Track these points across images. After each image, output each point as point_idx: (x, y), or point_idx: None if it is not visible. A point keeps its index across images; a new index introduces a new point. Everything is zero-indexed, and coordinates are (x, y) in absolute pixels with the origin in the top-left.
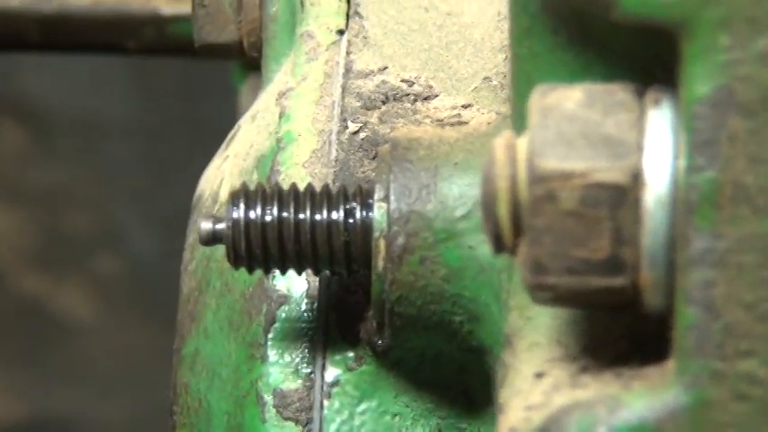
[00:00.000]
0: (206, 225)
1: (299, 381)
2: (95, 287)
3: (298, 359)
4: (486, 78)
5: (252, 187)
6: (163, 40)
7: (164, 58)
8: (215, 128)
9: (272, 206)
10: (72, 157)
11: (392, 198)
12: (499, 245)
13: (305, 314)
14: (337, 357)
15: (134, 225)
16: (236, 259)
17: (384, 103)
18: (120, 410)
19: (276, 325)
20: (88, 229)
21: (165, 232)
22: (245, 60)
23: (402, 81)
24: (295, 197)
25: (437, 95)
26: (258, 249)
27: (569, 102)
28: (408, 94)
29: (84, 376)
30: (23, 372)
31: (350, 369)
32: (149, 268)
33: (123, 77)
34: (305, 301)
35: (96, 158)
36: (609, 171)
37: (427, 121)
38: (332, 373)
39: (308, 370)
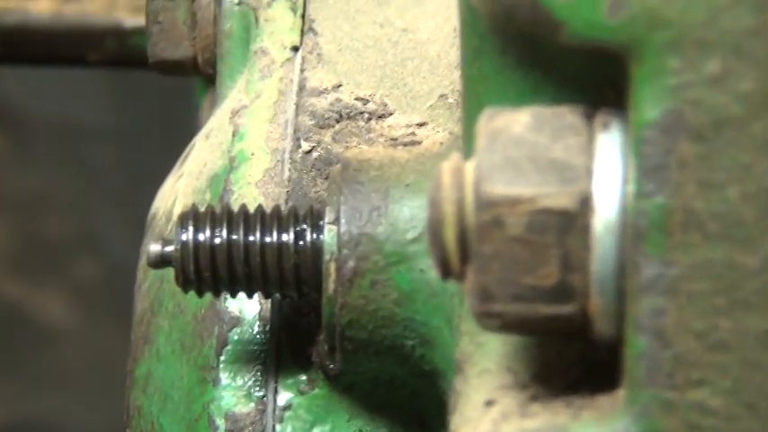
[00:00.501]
0: (155, 248)
1: (252, 404)
2: (74, 292)
3: (250, 382)
4: (442, 96)
5: (202, 209)
6: (125, 53)
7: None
8: (193, 132)
9: (222, 228)
10: (50, 162)
11: (342, 221)
12: (446, 270)
13: (257, 336)
14: (289, 381)
15: (113, 229)
16: (185, 282)
17: (338, 121)
18: (99, 416)
19: (228, 347)
20: (67, 234)
21: (143, 237)
22: (201, 77)
23: (356, 99)
24: (245, 219)
25: (392, 113)
26: (207, 272)
27: (517, 125)
28: (363, 113)
29: (64, 381)
30: (3, 377)
31: (302, 393)
32: (128, 273)
33: (100, 83)
34: (257, 323)
35: (74, 163)
36: (557, 196)
37: (381, 139)
38: (284, 396)
39: (261, 393)
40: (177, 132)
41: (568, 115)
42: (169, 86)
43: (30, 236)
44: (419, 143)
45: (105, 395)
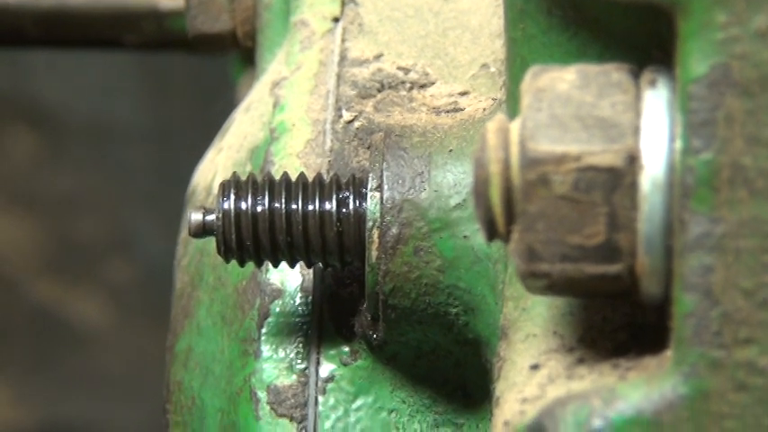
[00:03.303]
0: (196, 216)
1: (294, 376)
2: (108, 293)
3: (292, 354)
4: (483, 65)
5: (243, 178)
6: (162, 35)
7: (172, 60)
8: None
9: (263, 196)
10: (84, 163)
11: (385, 187)
12: (492, 231)
13: (299, 308)
14: (332, 352)
15: (147, 230)
16: (226, 251)
17: (379, 91)
18: (133, 417)
19: (270, 319)
20: (101, 235)
21: (176, 236)
22: (240, 51)
23: (398, 68)
24: (287, 187)
25: (434, 83)
26: (249, 241)
27: (563, 83)
28: (404, 82)
29: (97, 383)
30: (36, 379)
31: (345, 364)
32: (162, 273)
33: (134, 81)
34: (299, 294)
35: (108, 164)
36: (603, 154)
37: (423, 109)
38: (326, 368)
39: (303, 365)
40: (211, 133)
41: (615, 73)
42: (201, 86)
43: (64, 237)
44: (461, 111)
45: (139, 396)
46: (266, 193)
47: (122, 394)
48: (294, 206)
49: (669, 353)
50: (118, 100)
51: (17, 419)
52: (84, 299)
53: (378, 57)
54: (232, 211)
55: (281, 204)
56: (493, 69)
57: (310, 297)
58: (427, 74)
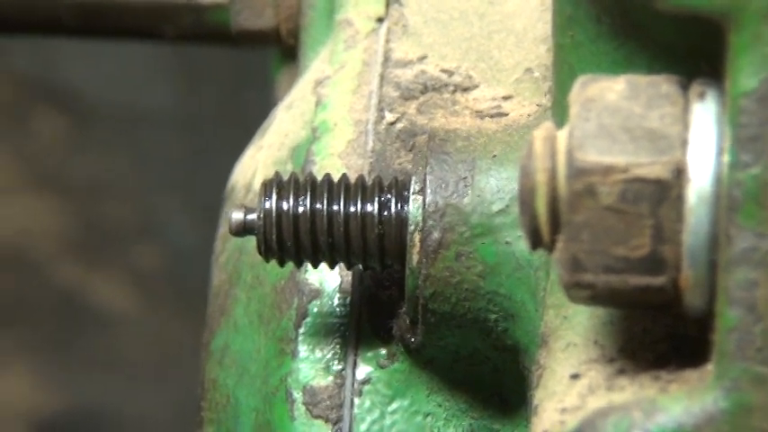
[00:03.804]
0: (237, 215)
1: (330, 378)
2: (134, 278)
3: (329, 355)
4: (527, 70)
5: (285, 177)
6: (201, 28)
7: (204, 48)
8: (256, 118)
9: (305, 197)
10: (112, 146)
11: (428, 191)
12: (536, 240)
13: (337, 309)
14: (369, 354)
15: (173, 216)
16: (266, 251)
17: (423, 93)
18: (157, 402)
19: (307, 320)
20: (126, 220)
21: (204, 223)
22: (283, 48)
23: (441, 71)
24: (329, 188)
25: (477, 86)
26: (290, 241)
27: (612, 93)
28: (447, 85)
29: (122, 367)
30: (61, 363)
31: (382, 366)
32: (188, 259)
33: (164, 67)
34: (337, 295)
35: (136, 148)
36: (651, 166)
37: (466, 112)
38: (363, 370)
39: (339, 367)
40: (239, 120)
41: (664, 84)
42: (232, 74)
43: (90, 221)
44: (505, 116)
45: (163, 381)
46: (308, 193)
47: (146, 379)
48: (336, 207)
49: (710, 366)
50: (149, 85)
51: (41, 403)
52: (109, 283)
53: (421, 58)
54: (273, 210)
55: (322, 205)
56: (537, 74)
57: (349, 298)
58: (471, 77)
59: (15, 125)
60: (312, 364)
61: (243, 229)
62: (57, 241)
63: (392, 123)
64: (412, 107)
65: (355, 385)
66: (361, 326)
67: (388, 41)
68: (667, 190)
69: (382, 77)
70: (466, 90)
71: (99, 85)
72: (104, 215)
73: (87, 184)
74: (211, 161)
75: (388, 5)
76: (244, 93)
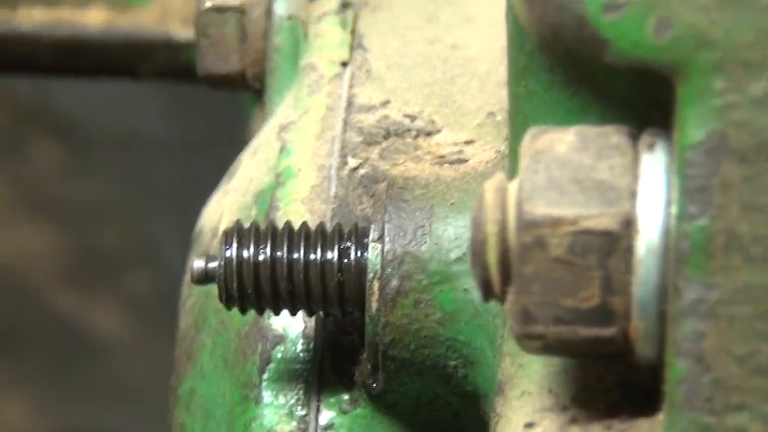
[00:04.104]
0: (198, 264)
1: (294, 423)
2: (129, 304)
3: (292, 401)
4: (490, 114)
5: (246, 225)
6: (177, 66)
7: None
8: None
9: (266, 245)
10: (106, 173)
11: (387, 239)
12: (488, 291)
13: (300, 355)
14: (332, 400)
15: (169, 242)
16: (227, 299)
17: (385, 138)
18: (153, 428)
19: (271, 365)
20: (122, 246)
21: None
22: (249, 91)
23: (404, 116)
24: (289, 236)
25: (440, 131)
26: (250, 289)
27: (561, 145)
28: (410, 130)
29: (118, 394)
30: (56, 389)
31: (344, 412)
32: None
33: (159, 94)
34: (301, 341)
35: (131, 175)
36: (600, 218)
37: (429, 157)
38: (326, 415)
39: (303, 412)
40: (234, 145)
41: (613, 135)
42: (227, 100)
43: (85, 247)
44: (466, 161)
45: (159, 408)
46: (268, 241)
47: (142, 405)
48: (296, 255)
49: (661, 416)
50: (143, 112)
51: (36, 429)
52: (105, 309)
53: (384, 103)
54: (234, 259)
55: (282, 253)
56: (499, 118)
57: (312, 344)
58: (433, 121)
59: (12, 152)
60: (276, 410)
61: (204, 278)
62: (53, 268)
63: (355, 169)
64: (374, 152)
65: (318, 430)
66: (323, 371)
67: (351, 86)
68: (616, 242)
69: (345, 122)
70: (428, 135)
71: (94, 112)
72: (100, 241)
73: (83, 211)
74: (206, 187)
75: (351, 50)
76: (237, 119)
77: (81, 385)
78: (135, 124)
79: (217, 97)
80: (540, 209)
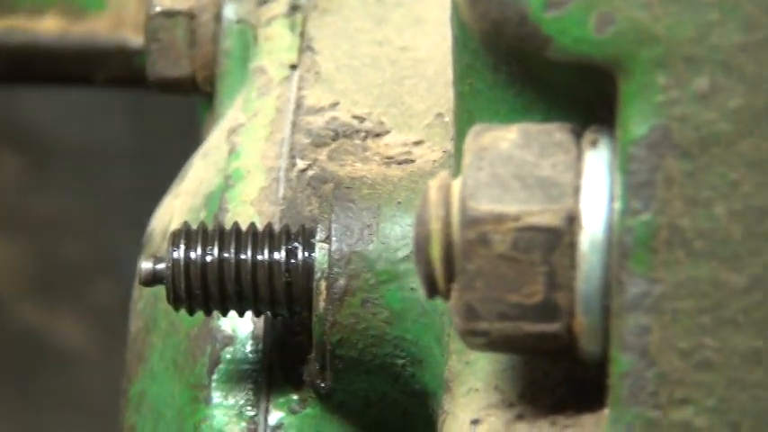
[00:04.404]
0: (146, 266)
1: (243, 423)
2: (92, 315)
3: (242, 401)
4: (438, 114)
5: (194, 227)
6: (131, 72)
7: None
8: None
9: (213, 246)
10: (68, 185)
11: (334, 238)
12: (432, 288)
13: (249, 355)
14: (281, 400)
15: (131, 253)
16: (175, 300)
17: (334, 139)
18: None
19: (220, 366)
20: (84, 258)
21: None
22: (200, 95)
23: (353, 117)
24: (236, 237)
25: (388, 132)
26: (198, 290)
27: (504, 142)
28: (359, 131)
29: (81, 405)
30: (19, 400)
31: (293, 412)
32: None
33: (121, 105)
34: (250, 342)
35: (93, 187)
36: (543, 214)
37: (377, 158)
38: (275, 416)
39: (252, 413)
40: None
41: (556, 132)
42: (188, 110)
43: (48, 259)
44: (414, 161)
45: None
46: (216, 242)
47: (104, 415)
48: (243, 256)
49: (606, 411)
50: (104, 123)
51: None
52: (67, 320)
53: (333, 105)
54: (182, 260)
55: (230, 254)
56: (447, 119)
57: (261, 345)
58: (382, 123)
59: None
60: (225, 411)
61: (152, 279)
62: (15, 279)
63: (303, 170)
64: (323, 154)
65: (267, 431)
66: (272, 372)
67: (300, 88)
68: (559, 237)
69: (294, 124)
70: (377, 136)
71: (54, 124)
72: (62, 253)
73: (44, 222)
74: None
75: (301, 53)
76: (198, 128)
77: (44, 396)
78: (96, 136)
79: (178, 108)
80: (484, 205)
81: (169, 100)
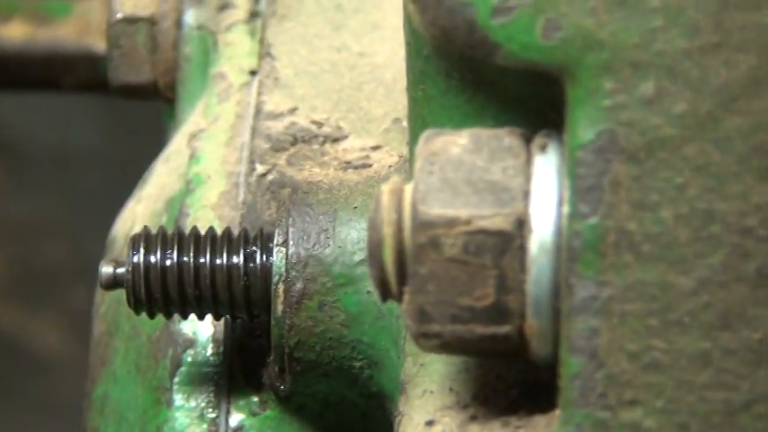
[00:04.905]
0: (106, 270)
1: (204, 426)
2: (69, 320)
3: (203, 404)
4: (396, 120)
5: (153, 231)
6: (98, 78)
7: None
8: None
9: (173, 250)
10: (44, 189)
11: (291, 242)
12: (385, 292)
13: (210, 358)
14: (241, 402)
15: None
16: (136, 303)
17: (293, 144)
18: None
19: (182, 369)
20: (61, 262)
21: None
22: (162, 101)
23: (312, 122)
24: (195, 241)
25: (346, 137)
26: (158, 294)
27: (455, 147)
28: (317, 136)
29: (57, 410)
30: None
31: (254, 414)
32: None
33: (95, 109)
34: (210, 345)
35: (69, 191)
36: (493, 218)
37: (335, 163)
38: (236, 418)
39: (213, 415)
40: None
41: (506, 137)
42: (161, 113)
43: (23, 264)
44: (371, 166)
45: None
46: (175, 246)
47: (81, 421)
48: (202, 260)
49: (557, 412)
50: (79, 127)
51: None
52: (44, 325)
53: (292, 110)
54: (141, 264)
55: (189, 258)
56: (404, 124)
57: (221, 347)
58: (340, 128)
59: None
60: (187, 413)
61: (113, 283)
62: None
63: (263, 175)
64: (282, 159)
65: None
66: (233, 374)
67: (260, 94)
68: (509, 241)
69: (254, 129)
70: (335, 141)
71: (29, 128)
72: (38, 257)
73: (20, 227)
74: None
75: (260, 59)
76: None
77: (21, 402)
78: (71, 139)
79: (151, 111)
80: (435, 209)
81: (143, 103)
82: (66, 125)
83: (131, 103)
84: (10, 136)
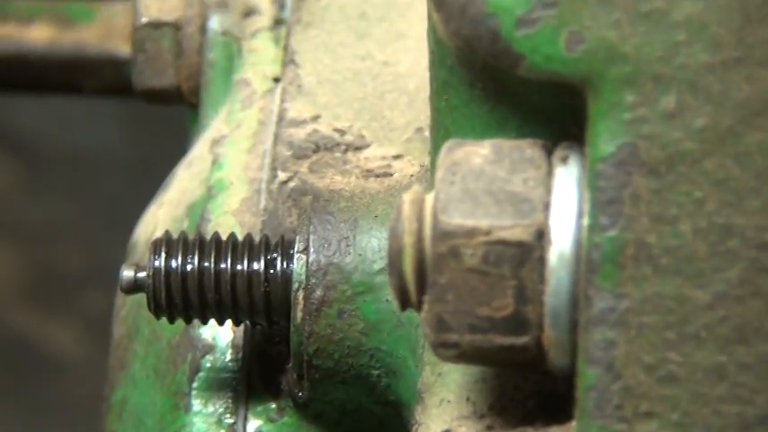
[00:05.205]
0: (128, 273)
1: (222, 431)
2: (85, 323)
3: (221, 409)
4: (418, 129)
5: (175, 236)
6: (121, 82)
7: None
8: None
9: (194, 255)
10: (62, 192)
11: (311, 250)
12: (404, 301)
13: (229, 364)
14: (259, 408)
15: (124, 261)
16: (156, 308)
17: (315, 152)
18: None
19: (201, 374)
20: (77, 265)
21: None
22: (186, 105)
23: (334, 130)
24: (216, 247)
25: (368, 145)
26: (178, 299)
27: (477, 158)
28: (339, 144)
29: (73, 413)
30: (11, 409)
31: (271, 420)
32: None
33: (115, 112)
34: (230, 350)
35: (86, 194)
36: (513, 229)
37: (357, 171)
38: (254, 424)
39: (231, 420)
40: None
41: (528, 149)
42: (181, 117)
43: (41, 266)
44: (393, 175)
45: None
46: (196, 252)
47: (96, 424)
48: (223, 266)
49: (573, 424)
50: (98, 129)
51: None
52: (60, 328)
53: (315, 118)
54: (162, 269)
55: (210, 264)
56: (427, 133)
57: (240, 353)
58: (363, 136)
59: None
60: (205, 418)
61: (133, 287)
62: (7, 286)
63: (284, 182)
64: (304, 166)
65: None
66: (251, 380)
67: (283, 101)
68: (529, 252)
69: (276, 137)
70: (358, 149)
71: (48, 131)
72: (55, 260)
73: (37, 229)
74: None
75: (284, 66)
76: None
77: (36, 404)
78: (90, 142)
79: (172, 114)
80: (455, 219)
81: (163, 107)
82: (85, 128)
83: (151, 107)
84: (30, 139)
